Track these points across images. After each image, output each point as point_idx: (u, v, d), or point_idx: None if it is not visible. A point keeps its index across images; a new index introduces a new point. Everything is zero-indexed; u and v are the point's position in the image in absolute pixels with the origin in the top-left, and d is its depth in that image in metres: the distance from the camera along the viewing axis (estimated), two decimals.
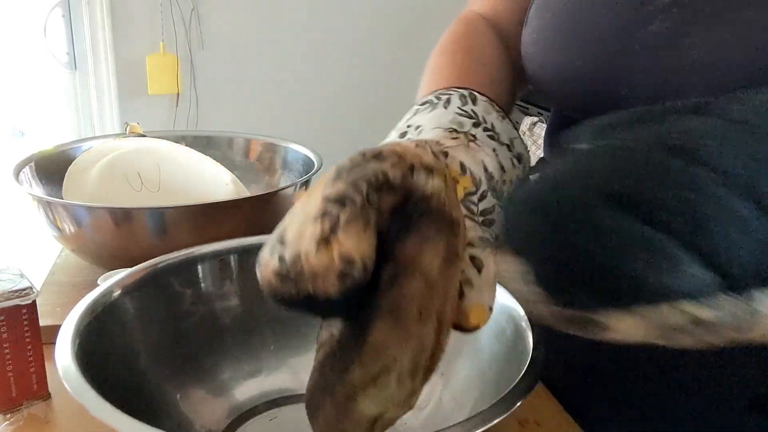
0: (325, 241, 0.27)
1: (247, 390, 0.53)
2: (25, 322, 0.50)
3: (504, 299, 0.48)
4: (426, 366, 0.33)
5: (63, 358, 0.39)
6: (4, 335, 0.50)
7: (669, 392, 0.52)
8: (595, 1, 0.47)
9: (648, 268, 0.21)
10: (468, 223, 0.33)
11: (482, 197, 0.35)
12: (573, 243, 0.22)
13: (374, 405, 0.32)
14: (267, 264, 0.28)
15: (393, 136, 0.43)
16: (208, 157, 0.87)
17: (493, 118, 0.43)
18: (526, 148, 0.44)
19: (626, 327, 0.23)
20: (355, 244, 0.27)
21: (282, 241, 0.28)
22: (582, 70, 0.48)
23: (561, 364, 0.58)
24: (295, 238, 0.27)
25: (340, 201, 0.27)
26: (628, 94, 0.45)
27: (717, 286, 0.22)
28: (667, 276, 0.22)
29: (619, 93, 0.46)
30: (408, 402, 0.33)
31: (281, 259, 0.28)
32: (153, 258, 0.52)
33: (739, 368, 0.48)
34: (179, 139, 0.91)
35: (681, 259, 0.22)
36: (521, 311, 0.46)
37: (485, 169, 0.37)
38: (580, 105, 0.51)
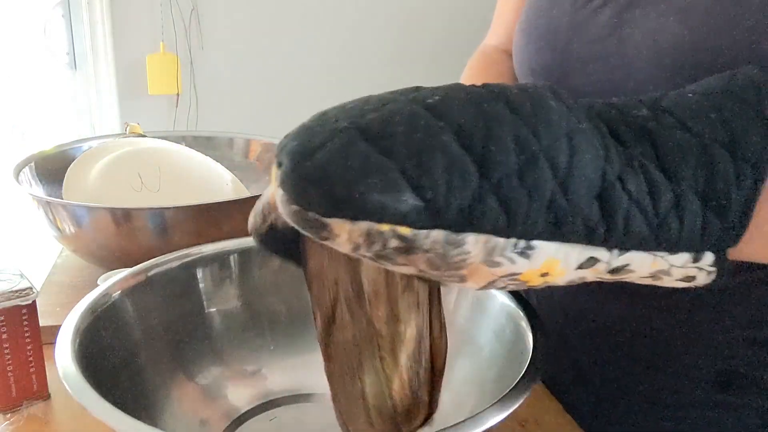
0: None
1: (247, 390, 0.54)
2: (25, 323, 0.50)
3: (504, 300, 0.48)
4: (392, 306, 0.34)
5: (63, 358, 0.39)
6: (4, 335, 0.50)
7: (644, 370, 0.53)
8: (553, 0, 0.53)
9: (375, 187, 0.26)
10: None
11: None
12: (323, 159, 0.26)
13: (347, 349, 0.36)
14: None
15: None
16: (208, 157, 0.87)
17: None
18: None
19: (345, 234, 0.27)
20: None
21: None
22: (545, 63, 0.53)
23: (561, 363, 0.58)
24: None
25: None
26: (585, 81, 0.49)
27: (428, 216, 0.26)
28: (387, 197, 0.26)
29: (576, 81, 0.50)
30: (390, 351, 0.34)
31: (261, 202, 0.35)
32: (153, 258, 0.52)
33: (704, 345, 0.50)
34: (179, 140, 0.91)
35: (401, 187, 0.26)
36: (521, 311, 0.46)
37: None
38: None
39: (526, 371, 0.39)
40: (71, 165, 0.79)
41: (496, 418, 0.35)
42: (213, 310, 0.54)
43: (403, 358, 0.35)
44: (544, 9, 0.54)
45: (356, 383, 0.36)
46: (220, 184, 0.83)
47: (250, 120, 2.17)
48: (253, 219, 0.36)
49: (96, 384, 0.37)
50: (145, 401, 0.46)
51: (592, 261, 0.30)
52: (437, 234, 0.27)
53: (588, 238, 0.29)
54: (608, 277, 0.31)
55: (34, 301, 0.51)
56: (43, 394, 0.53)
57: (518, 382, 0.38)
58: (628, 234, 0.29)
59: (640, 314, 0.52)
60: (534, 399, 0.55)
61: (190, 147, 0.88)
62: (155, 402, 0.48)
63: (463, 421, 0.35)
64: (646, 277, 0.31)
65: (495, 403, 0.36)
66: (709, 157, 0.30)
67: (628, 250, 0.30)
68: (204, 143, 0.93)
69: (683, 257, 0.30)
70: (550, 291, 0.53)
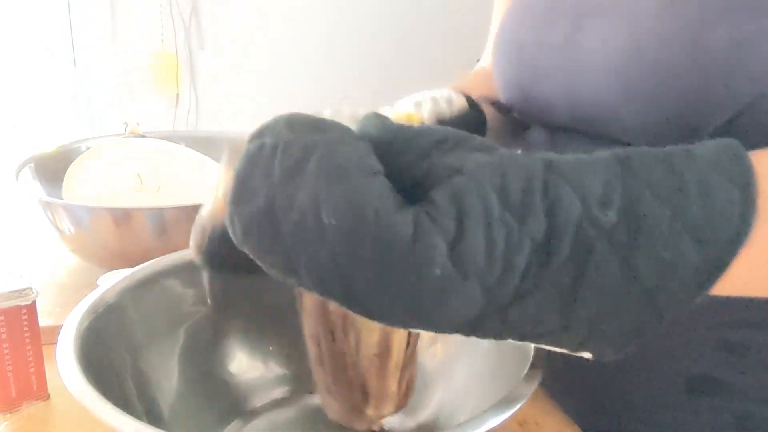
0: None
1: (247, 390, 0.54)
2: (25, 323, 0.50)
3: None
4: None
5: (65, 359, 0.39)
6: (4, 336, 0.50)
7: (617, 374, 0.53)
8: (519, 14, 0.55)
9: (273, 266, 0.29)
10: None
11: None
12: (244, 216, 0.28)
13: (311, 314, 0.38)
14: None
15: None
16: (207, 157, 0.87)
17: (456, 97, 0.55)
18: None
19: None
20: None
21: None
22: (515, 76, 0.55)
23: (560, 363, 0.58)
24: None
25: None
26: (549, 91, 0.51)
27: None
28: (280, 274, 0.29)
29: (542, 90, 0.52)
30: None
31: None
32: (153, 258, 0.52)
33: (676, 348, 0.50)
34: (179, 140, 0.91)
35: (288, 272, 0.28)
36: None
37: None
38: (522, 107, 0.56)
39: (527, 372, 0.39)
40: (71, 165, 0.79)
41: (497, 419, 0.35)
42: (214, 310, 0.54)
43: (352, 336, 0.36)
44: (513, 27, 0.56)
45: (318, 348, 0.38)
46: None
47: (250, 120, 2.17)
48: (193, 236, 0.35)
49: (98, 385, 0.37)
50: (146, 402, 0.46)
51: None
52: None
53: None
54: None
55: (33, 301, 0.51)
56: (43, 395, 0.53)
57: (520, 383, 0.38)
58: (500, 338, 0.29)
59: None
60: (533, 399, 0.54)
61: (190, 147, 0.88)
62: (156, 402, 0.48)
63: (464, 423, 0.35)
64: None
65: (496, 404, 0.36)
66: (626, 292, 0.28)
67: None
68: (204, 143, 0.93)
69: (559, 349, 0.30)
70: None
